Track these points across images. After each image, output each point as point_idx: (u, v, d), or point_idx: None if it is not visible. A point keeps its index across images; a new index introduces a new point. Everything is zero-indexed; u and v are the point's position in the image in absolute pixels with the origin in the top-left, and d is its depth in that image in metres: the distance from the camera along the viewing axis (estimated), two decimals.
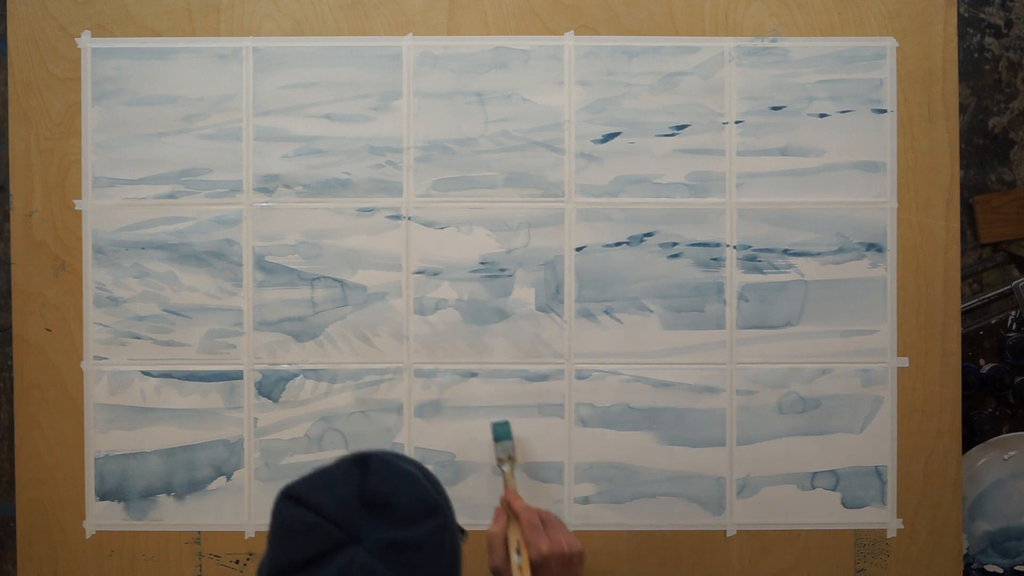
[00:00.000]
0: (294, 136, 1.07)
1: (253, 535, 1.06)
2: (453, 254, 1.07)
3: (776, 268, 1.07)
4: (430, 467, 0.91)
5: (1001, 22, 1.19)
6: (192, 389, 1.07)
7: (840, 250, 1.07)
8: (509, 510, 0.97)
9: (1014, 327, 1.17)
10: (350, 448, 1.06)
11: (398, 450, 1.06)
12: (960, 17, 1.16)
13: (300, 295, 1.07)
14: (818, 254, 1.07)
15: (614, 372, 1.07)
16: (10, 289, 1.07)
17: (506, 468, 1.03)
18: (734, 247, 1.07)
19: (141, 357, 1.07)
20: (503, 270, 1.07)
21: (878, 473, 1.07)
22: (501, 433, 1.04)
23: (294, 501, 0.72)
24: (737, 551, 1.07)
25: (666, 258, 1.07)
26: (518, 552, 0.94)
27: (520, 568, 0.93)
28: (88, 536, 1.06)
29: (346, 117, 1.07)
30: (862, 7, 1.07)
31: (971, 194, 1.20)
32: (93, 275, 1.06)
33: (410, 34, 1.07)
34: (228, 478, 1.06)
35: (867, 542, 1.07)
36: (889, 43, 1.07)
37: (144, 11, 1.06)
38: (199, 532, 1.06)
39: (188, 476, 1.06)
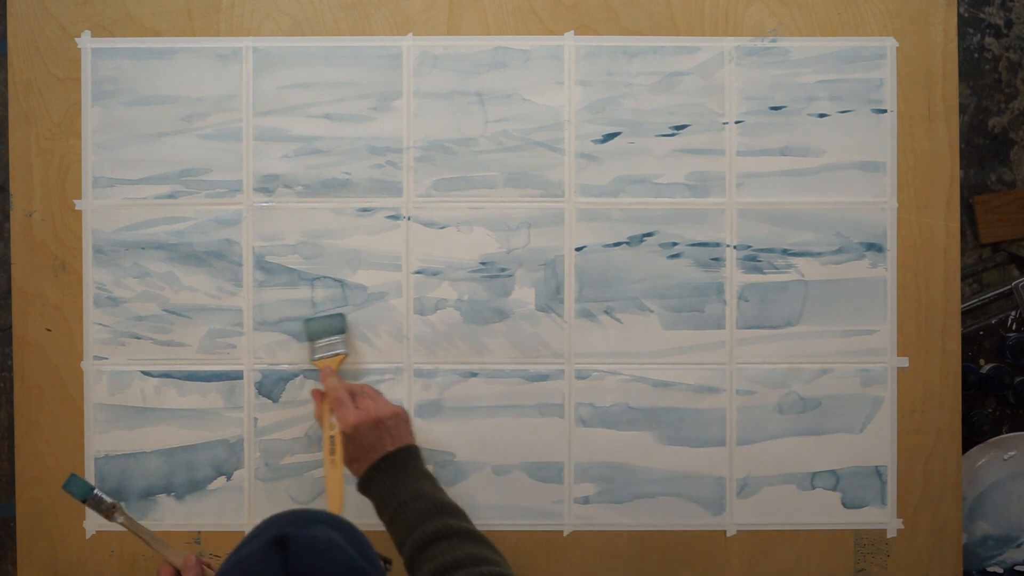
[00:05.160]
0: (294, 136, 1.07)
1: None
2: (453, 254, 1.07)
3: (776, 268, 1.07)
4: (355, 530, 0.76)
5: (1001, 22, 1.19)
6: (192, 389, 1.06)
7: (840, 250, 1.07)
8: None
9: (1014, 327, 1.17)
10: None
11: None
12: (960, 17, 1.15)
13: (300, 295, 1.07)
14: (818, 254, 1.07)
15: (614, 372, 1.07)
16: (10, 289, 1.07)
17: (316, 357, 1.04)
18: (734, 247, 1.07)
19: (141, 357, 1.07)
20: (503, 270, 1.07)
21: (878, 473, 1.07)
22: (317, 330, 1.05)
23: None
24: (737, 551, 1.07)
25: (666, 258, 1.07)
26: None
27: (328, 442, 0.97)
28: (88, 536, 1.06)
29: (346, 117, 1.07)
30: (862, 7, 1.07)
31: (971, 194, 1.19)
32: (93, 275, 1.06)
33: (410, 34, 1.07)
34: (228, 478, 1.06)
35: (867, 542, 1.07)
36: (889, 43, 1.07)
37: (144, 11, 1.06)
38: (199, 532, 1.06)
39: (188, 476, 1.06)
